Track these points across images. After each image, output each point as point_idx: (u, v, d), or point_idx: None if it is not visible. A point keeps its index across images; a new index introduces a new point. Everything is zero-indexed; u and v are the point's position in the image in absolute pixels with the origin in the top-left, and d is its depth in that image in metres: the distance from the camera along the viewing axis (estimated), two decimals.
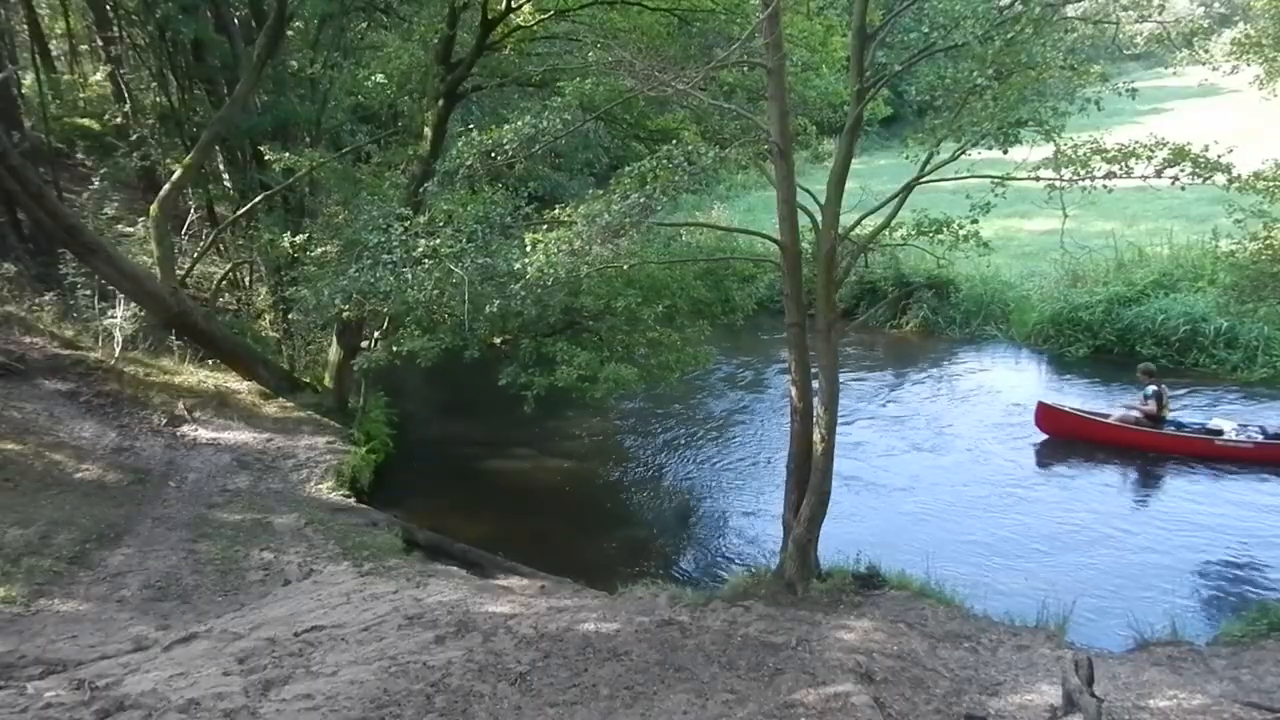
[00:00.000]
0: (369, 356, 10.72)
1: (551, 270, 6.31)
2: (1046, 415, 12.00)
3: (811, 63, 10.98)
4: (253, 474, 10.71)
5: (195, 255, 14.68)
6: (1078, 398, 13.23)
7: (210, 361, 13.02)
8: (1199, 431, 11.28)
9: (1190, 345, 13.89)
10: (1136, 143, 6.43)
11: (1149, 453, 11.33)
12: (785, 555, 7.96)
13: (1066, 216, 7.19)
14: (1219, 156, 6.34)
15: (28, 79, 17.20)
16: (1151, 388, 11.46)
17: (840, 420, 7.92)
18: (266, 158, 12.78)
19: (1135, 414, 11.56)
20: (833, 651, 6.05)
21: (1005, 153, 6.81)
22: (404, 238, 8.04)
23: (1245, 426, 11.05)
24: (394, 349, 9.94)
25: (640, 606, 7.20)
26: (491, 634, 6.23)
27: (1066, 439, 11.90)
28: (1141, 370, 11.86)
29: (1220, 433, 11.11)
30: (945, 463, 11.63)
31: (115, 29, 15.98)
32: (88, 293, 12.61)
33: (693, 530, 10.66)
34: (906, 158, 7.87)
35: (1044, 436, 12.00)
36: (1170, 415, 11.55)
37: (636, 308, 9.74)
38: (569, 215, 6.70)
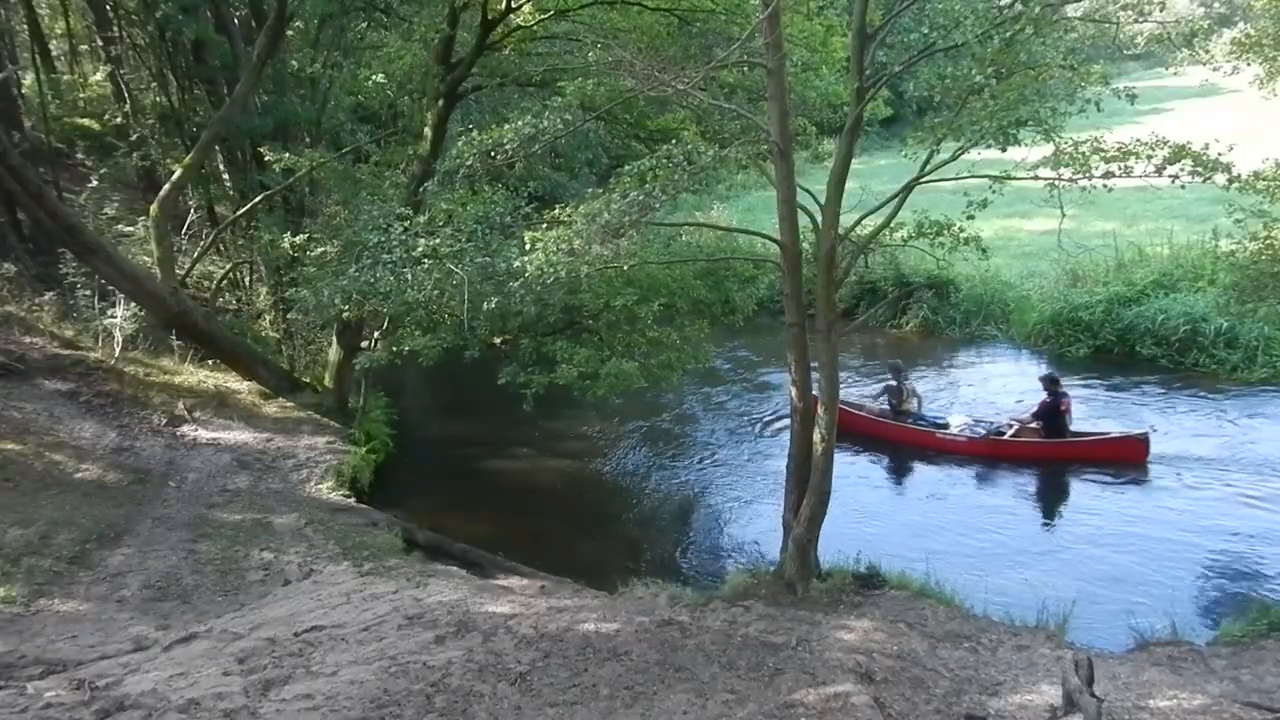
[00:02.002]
0: (369, 356, 10.73)
1: (550, 269, 6.31)
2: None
3: (811, 63, 10.98)
4: (253, 474, 10.71)
5: (195, 255, 14.69)
6: (1078, 397, 13.27)
7: (210, 361, 13.03)
8: (928, 425, 12.09)
9: (1190, 345, 13.86)
10: (1136, 142, 6.42)
11: (889, 442, 12.19)
12: (785, 555, 7.96)
13: (1065, 216, 7.19)
14: (1219, 156, 6.33)
15: (28, 79, 17.20)
16: (892, 382, 12.46)
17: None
18: (266, 158, 12.77)
19: (883, 406, 12.50)
20: (833, 651, 6.05)
21: (1004, 152, 6.81)
22: (404, 238, 8.05)
23: (977, 423, 11.77)
24: (394, 349, 9.95)
25: (640, 606, 7.20)
26: (491, 634, 6.23)
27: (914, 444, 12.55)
28: (890, 367, 12.87)
29: (946, 427, 11.87)
30: (943, 462, 11.64)
31: (115, 29, 15.98)
32: (88, 293, 12.62)
33: (693, 530, 10.65)
34: (906, 157, 7.86)
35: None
36: (914, 409, 12.49)
37: (634, 306, 9.74)
38: (568, 215, 6.70)
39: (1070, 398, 11.52)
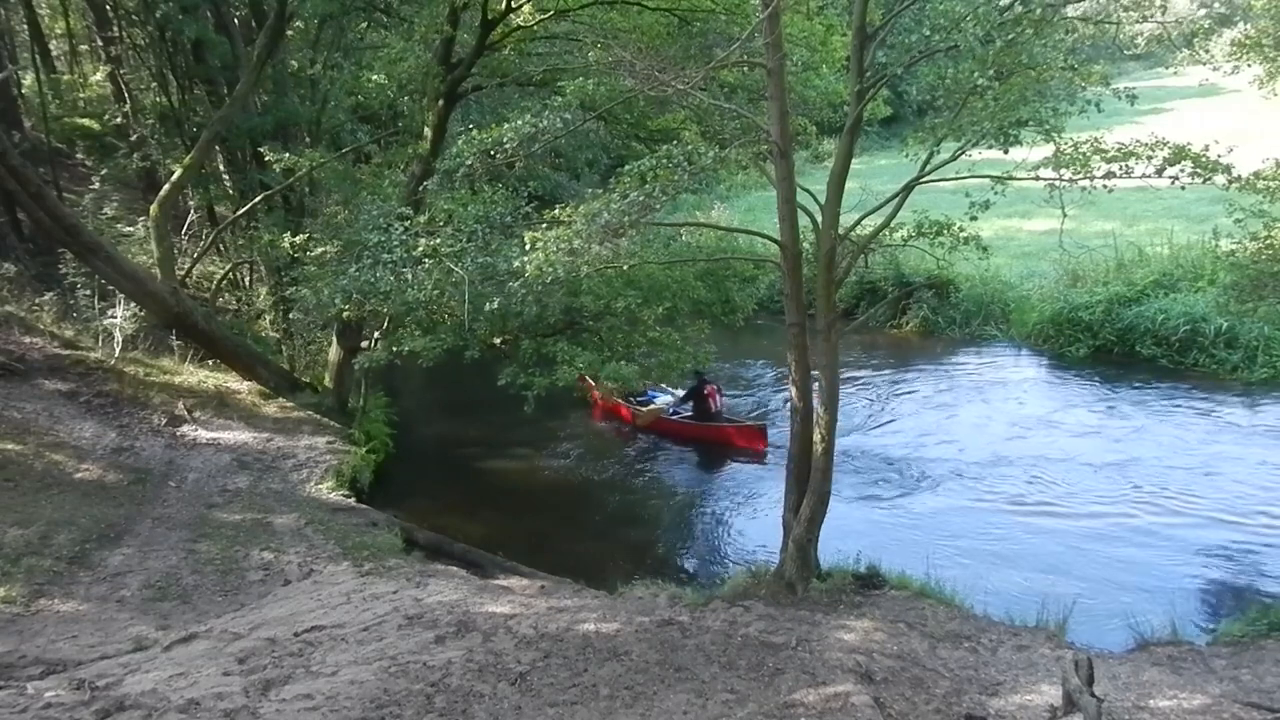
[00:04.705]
0: (369, 356, 10.73)
1: (550, 269, 6.30)
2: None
3: (811, 63, 10.98)
4: (253, 474, 10.71)
5: (195, 255, 14.70)
6: (1076, 397, 13.30)
7: (210, 361, 13.02)
8: (637, 401, 13.81)
9: (1190, 345, 13.88)
10: (1137, 142, 6.42)
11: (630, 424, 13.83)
12: (785, 555, 7.95)
13: (1066, 216, 7.18)
14: (1219, 156, 6.32)
15: (28, 79, 17.21)
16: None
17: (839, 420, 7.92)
18: (266, 158, 12.77)
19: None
20: (833, 651, 6.05)
21: (1005, 152, 6.81)
22: (404, 237, 8.06)
23: (682, 403, 13.32)
24: (394, 349, 9.95)
25: (640, 606, 7.19)
26: (491, 634, 6.23)
27: (607, 413, 14.36)
28: None
29: (648, 403, 13.71)
30: (943, 461, 11.63)
31: (115, 29, 15.98)
32: (88, 293, 12.62)
33: (693, 530, 10.65)
34: (906, 157, 7.86)
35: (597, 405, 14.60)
36: (652, 394, 14.15)
37: (637, 309, 9.74)
38: (568, 215, 6.69)
39: (715, 385, 13.13)
